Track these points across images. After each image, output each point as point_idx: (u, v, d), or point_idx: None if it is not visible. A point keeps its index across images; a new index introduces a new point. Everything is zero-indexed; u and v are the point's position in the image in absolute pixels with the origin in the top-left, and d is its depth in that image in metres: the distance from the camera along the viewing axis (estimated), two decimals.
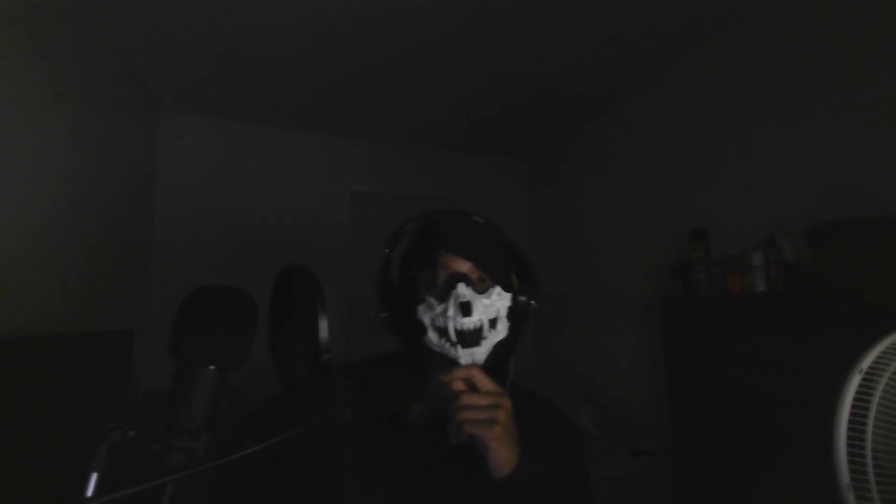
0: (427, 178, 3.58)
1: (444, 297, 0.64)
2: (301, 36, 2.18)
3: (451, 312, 0.62)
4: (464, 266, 0.66)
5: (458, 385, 0.59)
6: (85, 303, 1.93)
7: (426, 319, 0.65)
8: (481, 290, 0.65)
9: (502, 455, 0.56)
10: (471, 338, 0.62)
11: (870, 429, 0.62)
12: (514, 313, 0.68)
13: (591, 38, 2.20)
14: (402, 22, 2.08)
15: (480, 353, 0.63)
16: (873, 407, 0.63)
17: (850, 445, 0.61)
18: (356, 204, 3.37)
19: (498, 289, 0.66)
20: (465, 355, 0.62)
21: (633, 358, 2.56)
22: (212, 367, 0.39)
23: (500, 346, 0.66)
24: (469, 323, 0.61)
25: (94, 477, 0.33)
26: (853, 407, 0.63)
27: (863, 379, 0.64)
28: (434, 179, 3.60)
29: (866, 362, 0.64)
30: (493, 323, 0.64)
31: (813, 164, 1.71)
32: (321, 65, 2.43)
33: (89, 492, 0.32)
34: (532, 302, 0.71)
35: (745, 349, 1.61)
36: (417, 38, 2.20)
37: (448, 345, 0.63)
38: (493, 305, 0.64)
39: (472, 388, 0.60)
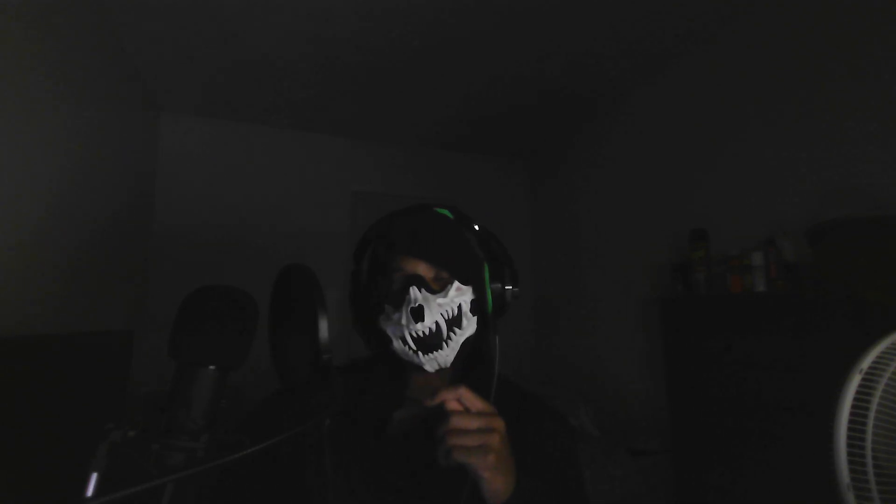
0: (427, 178, 3.58)
1: (399, 303, 0.61)
2: (301, 36, 2.18)
3: (404, 320, 0.60)
4: (418, 267, 0.63)
5: (453, 405, 0.53)
6: (85, 303, 1.93)
7: (388, 330, 0.63)
8: (438, 288, 0.63)
9: (498, 483, 0.51)
10: (430, 342, 0.60)
11: (870, 429, 0.62)
12: (481, 306, 0.65)
13: (591, 38, 2.21)
14: (403, 22, 2.08)
15: (444, 355, 0.61)
16: (873, 407, 0.63)
17: (850, 445, 0.61)
18: (356, 204, 3.37)
19: (456, 285, 0.63)
20: (427, 361, 0.60)
21: (633, 358, 2.56)
22: (212, 367, 0.39)
23: (470, 343, 0.64)
24: (422, 328, 0.59)
25: (94, 477, 0.33)
26: (853, 407, 0.63)
27: (863, 379, 0.64)
28: (434, 179, 3.60)
29: (866, 362, 0.64)
30: (455, 321, 0.62)
31: (813, 164, 1.71)
32: (321, 65, 2.43)
33: (89, 492, 0.32)
34: (508, 287, 0.67)
35: (744, 349, 1.61)
36: (417, 38, 2.20)
37: (411, 352, 0.61)
38: (450, 303, 0.61)
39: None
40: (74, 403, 1.25)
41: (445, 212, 0.71)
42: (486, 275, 0.67)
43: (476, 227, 0.70)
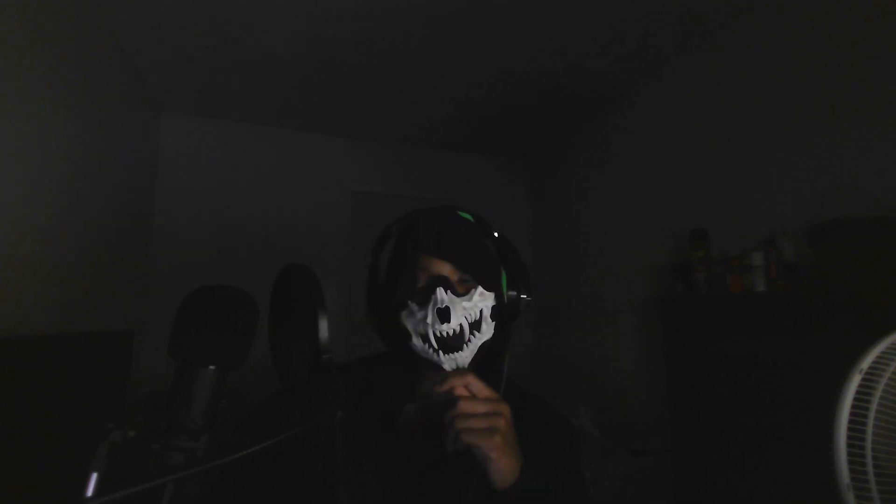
0: (427, 178, 3.58)
1: (423, 302, 0.63)
2: (301, 36, 2.18)
3: (429, 319, 0.61)
4: (443, 268, 0.64)
5: (460, 391, 0.56)
6: (85, 303, 1.93)
7: (409, 326, 0.64)
8: (463, 291, 0.64)
9: (504, 465, 0.54)
10: (452, 343, 0.61)
11: (870, 429, 0.62)
12: (499, 312, 0.67)
13: (591, 38, 2.20)
14: (403, 22, 2.08)
15: (463, 357, 0.62)
16: (873, 407, 0.63)
17: (850, 445, 0.61)
18: (356, 204, 3.37)
19: (480, 289, 0.64)
20: (447, 361, 0.62)
21: (633, 358, 2.56)
22: (212, 367, 0.39)
23: (487, 347, 0.65)
24: (447, 329, 0.61)
25: (94, 477, 0.33)
26: (853, 407, 0.63)
27: (863, 379, 0.64)
28: (434, 179, 3.60)
29: (866, 362, 0.64)
30: (475, 325, 0.63)
31: (813, 164, 1.71)
32: (321, 65, 2.43)
33: (89, 492, 0.32)
34: (523, 297, 0.69)
35: (745, 349, 1.61)
36: (418, 38, 2.20)
37: (431, 350, 0.62)
38: (474, 307, 0.63)
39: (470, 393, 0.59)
40: (74, 403, 1.25)
41: (467, 216, 0.72)
42: (504, 282, 0.69)
43: (496, 235, 0.72)
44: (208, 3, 1.94)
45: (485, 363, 0.68)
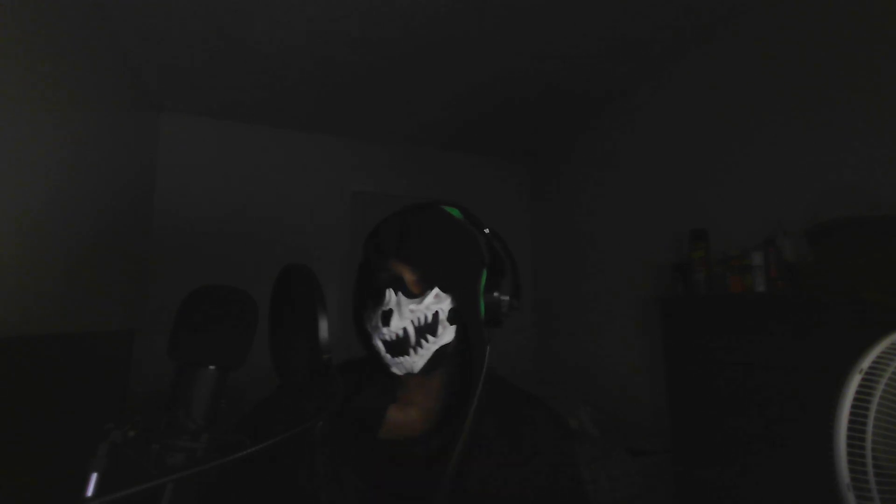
0: (427, 179, 3.58)
1: (377, 304, 0.61)
2: (301, 36, 2.18)
3: (374, 322, 0.60)
4: (402, 269, 0.61)
5: None
6: (85, 303, 1.93)
7: (369, 329, 0.63)
8: (418, 292, 0.60)
9: None
10: (398, 347, 0.59)
11: (870, 429, 0.62)
12: (459, 315, 0.61)
13: (591, 38, 2.21)
14: (402, 22, 2.08)
15: (411, 361, 0.59)
16: (873, 407, 0.63)
17: (850, 445, 0.61)
18: (356, 204, 3.37)
19: (435, 290, 0.60)
20: (395, 364, 0.60)
21: (633, 358, 2.56)
22: (212, 367, 0.39)
23: (449, 352, 0.62)
24: (388, 333, 0.58)
25: (94, 477, 0.33)
26: (853, 407, 0.63)
27: (863, 379, 0.64)
28: (434, 179, 3.60)
29: (866, 362, 0.64)
30: (428, 329, 0.59)
31: (813, 164, 1.71)
32: (321, 65, 2.43)
33: (89, 492, 0.32)
34: (504, 298, 0.63)
35: (745, 349, 1.61)
36: (418, 37, 2.20)
37: (383, 353, 0.60)
38: (424, 310, 0.59)
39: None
40: (74, 403, 1.25)
41: (455, 211, 0.68)
42: (483, 282, 0.64)
43: (486, 231, 0.68)
44: (208, 4, 1.95)
45: (453, 370, 0.65)
